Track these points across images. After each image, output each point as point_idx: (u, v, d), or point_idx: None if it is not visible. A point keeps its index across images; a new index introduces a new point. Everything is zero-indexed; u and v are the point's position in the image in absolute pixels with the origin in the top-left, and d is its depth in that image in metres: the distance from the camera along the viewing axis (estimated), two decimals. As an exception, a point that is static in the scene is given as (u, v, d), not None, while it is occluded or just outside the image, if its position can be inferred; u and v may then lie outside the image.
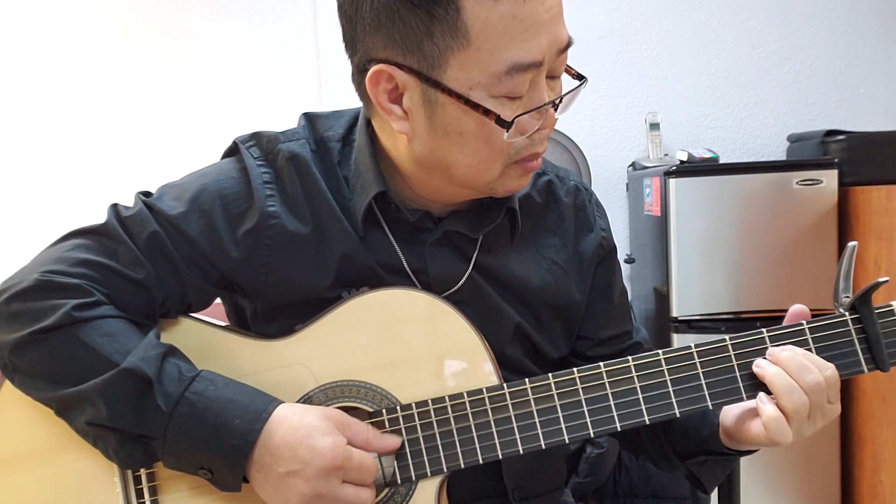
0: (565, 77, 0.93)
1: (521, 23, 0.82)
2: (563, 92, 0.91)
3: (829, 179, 2.46)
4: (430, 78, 0.86)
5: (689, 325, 2.51)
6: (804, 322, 0.91)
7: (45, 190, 3.05)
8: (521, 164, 0.92)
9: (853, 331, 0.90)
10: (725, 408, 0.98)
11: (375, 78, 0.88)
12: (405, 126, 0.90)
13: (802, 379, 0.87)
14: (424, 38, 0.84)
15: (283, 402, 0.90)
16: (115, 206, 0.97)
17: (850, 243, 0.91)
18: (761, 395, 0.89)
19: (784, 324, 0.93)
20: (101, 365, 0.87)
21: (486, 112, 0.85)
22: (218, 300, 1.07)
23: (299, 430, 0.86)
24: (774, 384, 0.88)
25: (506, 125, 0.85)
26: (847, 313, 0.91)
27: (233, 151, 1.03)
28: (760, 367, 0.90)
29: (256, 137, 1.01)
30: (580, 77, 0.92)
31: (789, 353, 0.89)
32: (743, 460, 2.38)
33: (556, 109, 0.89)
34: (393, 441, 0.91)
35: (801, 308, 0.94)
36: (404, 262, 0.99)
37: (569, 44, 0.88)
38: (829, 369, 0.89)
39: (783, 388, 0.87)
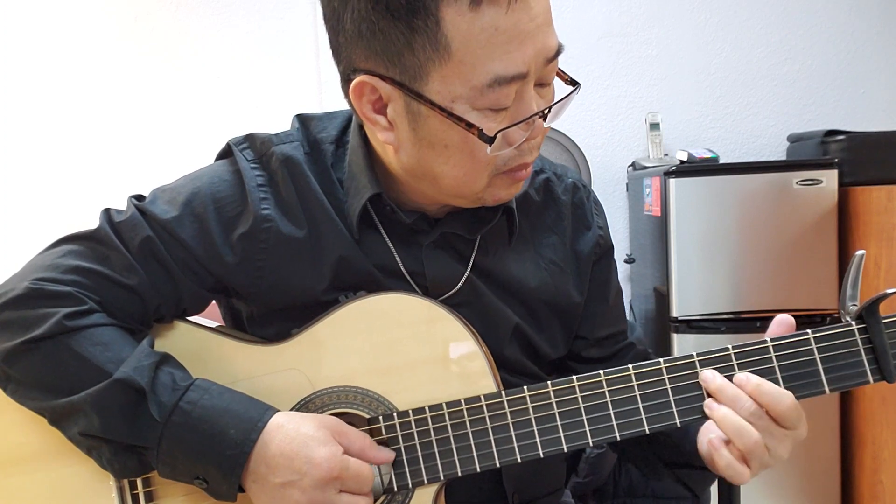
0: (559, 83, 0.91)
1: (503, 35, 0.80)
2: (555, 100, 0.88)
3: (829, 179, 2.45)
4: (413, 90, 0.83)
5: (689, 326, 2.51)
6: (809, 331, 0.89)
7: (45, 190, 3.05)
8: (510, 174, 0.90)
9: (859, 340, 0.88)
10: (701, 427, 0.95)
11: (359, 89, 0.86)
12: (390, 137, 0.88)
13: (740, 409, 0.85)
14: (405, 50, 0.81)
15: (279, 410, 0.89)
16: (107, 211, 0.96)
17: (858, 252, 0.89)
18: (713, 439, 0.87)
19: (772, 331, 0.91)
20: (93, 375, 0.86)
21: (469, 126, 0.83)
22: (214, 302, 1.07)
23: (295, 439, 0.85)
24: (724, 425, 0.86)
25: (488, 140, 0.83)
26: (853, 322, 0.89)
27: (226, 154, 1.02)
28: (710, 407, 0.88)
29: (250, 139, 1.00)
30: (573, 83, 0.89)
31: (722, 381, 0.87)
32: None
33: (545, 119, 0.87)
34: (387, 454, 0.90)
35: (785, 318, 0.91)
36: (401, 264, 0.98)
37: (558, 51, 0.85)
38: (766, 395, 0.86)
39: (732, 429, 0.85)
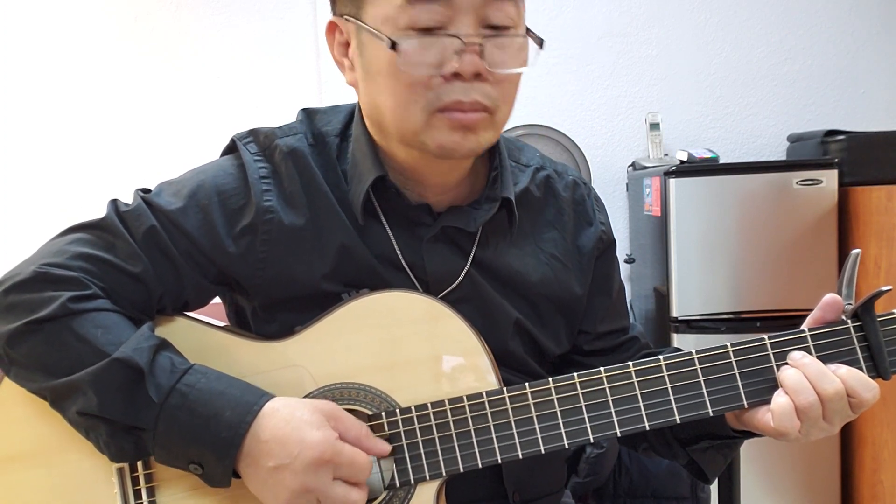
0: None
1: None
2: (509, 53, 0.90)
3: (829, 179, 2.46)
4: (358, 20, 0.92)
5: (689, 325, 2.51)
6: (806, 329, 0.90)
7: (46, 189, 3.05)
8: (447, 113, 0.90)
9: (855, 338, 0.89)
10: None
11: (329, 32, 0.96)
12: (353, 77, 0.96)
13: (821, 387, 0.86)
14: None
15: (276, 395, 0.89)
16: (114, 202, 0.98)
17: (854, 251, 0.90)
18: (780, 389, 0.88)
19: (815, 312, 0.92)
20: (93, 355, 0.87)
21: (388, 41, 0.88)
22: (218, 300, 1.07)
23: (289, 423, 0.86)
24: (786, 382, 0.87)
25: (392, 46, 0.88)
26: (849, 321, 0.90)
27: (231, 149, 1.03)
28: (781, 369, 0.89)
29: (254, 133, 1.02)
30: (540, 42, 0.92)
31: (809, 360, 0.88)
32: (743, 461, 2.38)
33: (481, 56, 0.88)
34: (383, 446, 0.90)
35: (833, 298, 0.91)
36: (401, 257, 0.99)
37: None
38: (852, 380, 0.87)
39: (793, 386, 0.86)
